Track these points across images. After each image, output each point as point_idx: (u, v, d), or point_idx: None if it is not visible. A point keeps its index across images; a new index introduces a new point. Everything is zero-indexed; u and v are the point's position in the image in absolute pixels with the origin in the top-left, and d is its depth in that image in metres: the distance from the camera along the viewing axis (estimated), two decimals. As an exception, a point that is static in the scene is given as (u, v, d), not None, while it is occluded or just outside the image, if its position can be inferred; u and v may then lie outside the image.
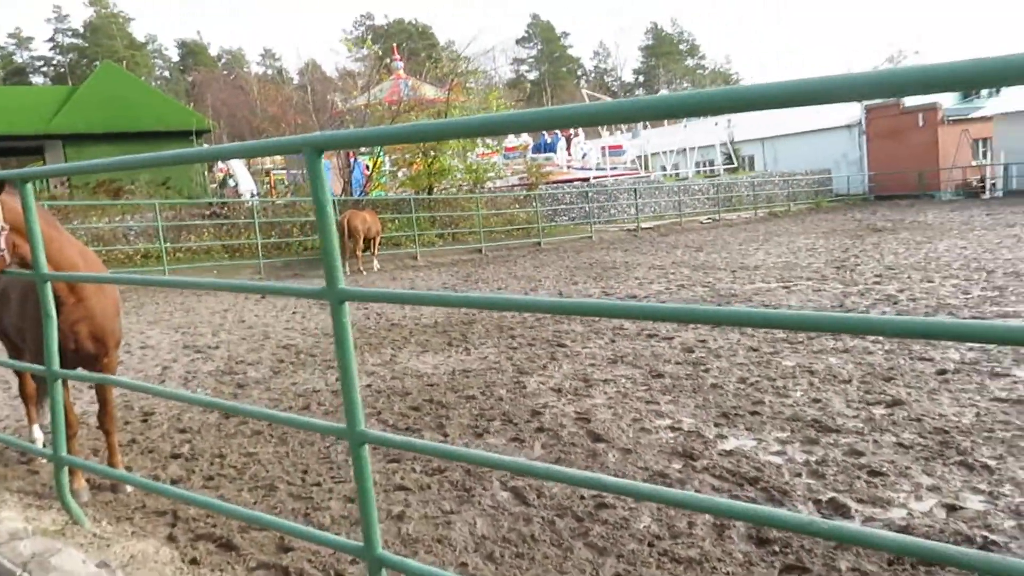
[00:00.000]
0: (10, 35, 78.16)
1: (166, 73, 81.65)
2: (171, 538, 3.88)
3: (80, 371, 4.16)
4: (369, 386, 6.84)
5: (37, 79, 71.14)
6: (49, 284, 3.63)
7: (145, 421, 6.08)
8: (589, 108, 1.87)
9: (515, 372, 7.05)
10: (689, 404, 5.62)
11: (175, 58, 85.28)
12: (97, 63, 54.81)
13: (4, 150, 22.69)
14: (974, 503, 3.62)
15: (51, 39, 77.56)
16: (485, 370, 7.22)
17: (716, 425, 5.10)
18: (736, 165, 34.57)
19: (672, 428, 5.10)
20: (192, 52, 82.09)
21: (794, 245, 18.46)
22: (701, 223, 26.76)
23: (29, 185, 3.55)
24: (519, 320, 9.99)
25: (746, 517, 2.10)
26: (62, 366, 3.87)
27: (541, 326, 9.48)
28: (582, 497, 4.06)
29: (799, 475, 4.14)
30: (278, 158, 34.78)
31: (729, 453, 4.55)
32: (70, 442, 4.44)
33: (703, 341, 7.94)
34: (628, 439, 4.92)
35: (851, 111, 36.17)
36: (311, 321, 11.00)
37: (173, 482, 4.72)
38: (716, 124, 34.34)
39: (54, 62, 77.89)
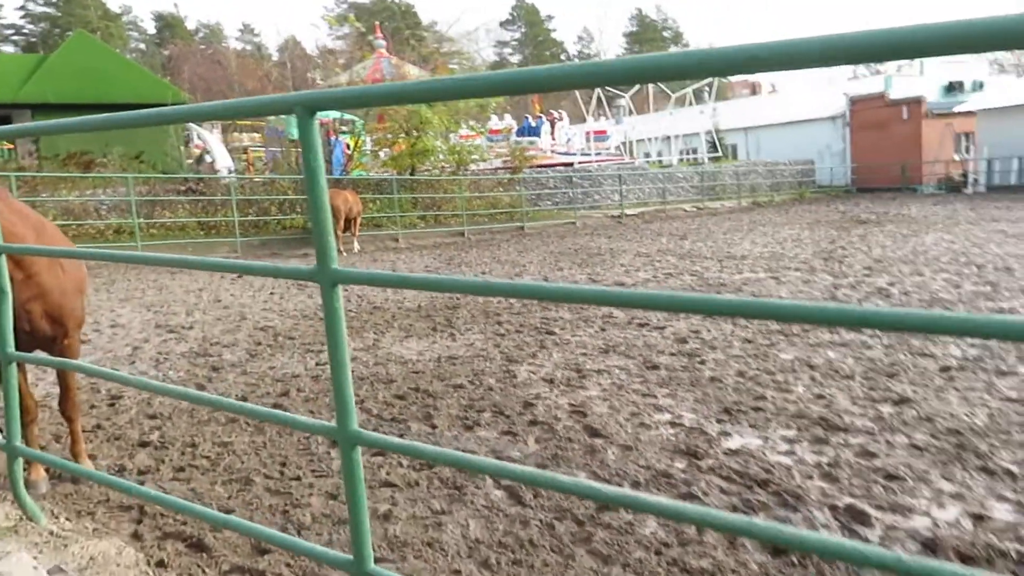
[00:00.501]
0: (-20, 1, 75.97)
1: (141, 46, 79.86)
2: (136, 536, 3.57)
3: (38, 354, 3.82)
4: (352, 372, 6.52)
5: (7, 48, 69.22)
6: (3, 257, 3.28)
7: (112, 405, 5.74)
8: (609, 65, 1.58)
9: (504, 360, 6.77)
10: (688, 398, 5.38)
11: (151, 31, 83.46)
12: (70, 33, 53.34)
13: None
14: (1002, 513, 3.41)
15: (22, 7, 75.41)
16: (472, 357, 6.93)
17: (718, 421, 4.86)
18: (720, 154, 34.42)
19: (672, 424, 4.86)
20: (169, 25, 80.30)
21: (779, 235, 18.32)
22: (685, 211, 26.59)
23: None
24: (505, 306, 9.70)
25: (771, 539, 1.84)
26: (17, 348, 3.53)
27: (528, 312, 9.20)
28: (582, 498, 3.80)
29: (811, 477, 3.91)
30: (256, 135, 34.11)
31: (735, 452, 4.31)
32: (28, 428, 4.10)
33: (696, 332, 7.70)
34: (627, 435, 4.67)
35: (836, 102, 36.15)
36: (289, 302, 10.64)
37: (140, 472, 4.40)
38: (701, 112, 34.15)
39: (24, 31, 75.80)
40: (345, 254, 17.09)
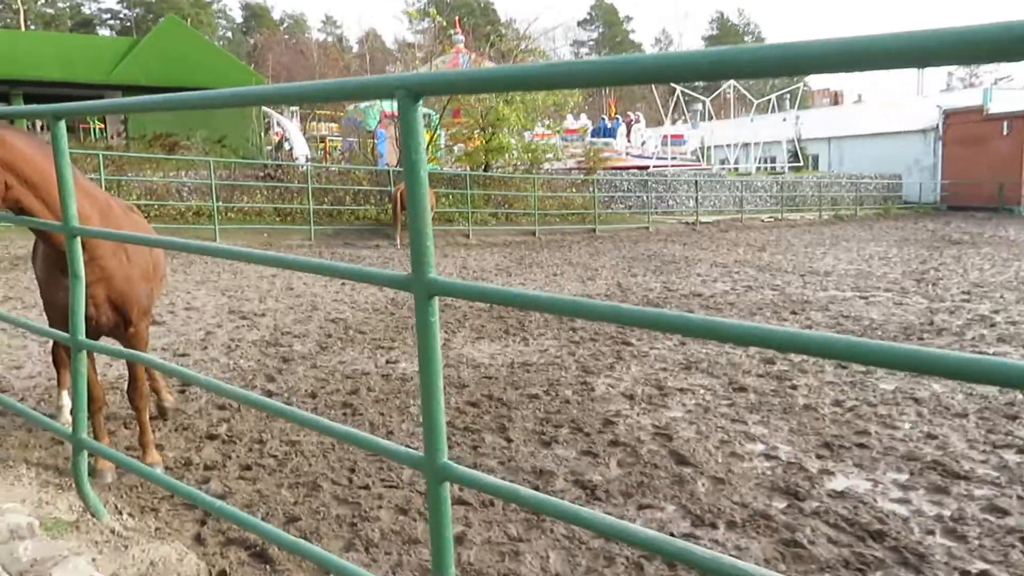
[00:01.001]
0: (81, -14, 79.27)
1: (228, 34, 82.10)
2: (199, 540, 3.39)
3: (104, 343, 3.69)
4: (421, 373, 6.30)
5: (104, 31, 72.06)
6: (78, 240, 3.13)
7: (183, 391, 5.64)
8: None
9: (579, 371, 6.46)
10: (782, 428, 4.97)
11: (239, 19, 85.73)
12: (163, 18, 55.13)
13: (63, 98, 22.70)
14: None
15: (120, -8, 78.45)
16: (546, 365, 6.64)
17: (818, 457, 4.45)
18: (802, 164, 33.26)
19: (767, 456, 4.47)
20: (255, 14, 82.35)
21: (864, 252, 17.50)
22: (763, 221, 25.74)
23: (62, 124, 3.04)
24: (579, 311, 9.37)
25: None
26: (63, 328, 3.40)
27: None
28: (672, 534, 3.47)
29: (932, 533, 3.48)
30: (334, 125, 34.54)
31: (841, 495, 3.90)
32: (95, 417, 3.99)
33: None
34: (718, 465, 4.30)
35: (928, 114, 34.53)
36: (360, 295, 10.53)
37: (207, 467, 4.25)
38: (784, 120, 33.06)
39: (121, 15, 78.78)
40: (416, 248, 16.99)
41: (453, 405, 5.39)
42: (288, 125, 27.51)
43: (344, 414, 5.21)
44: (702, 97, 33.76)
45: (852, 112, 42.58)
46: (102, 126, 28.71)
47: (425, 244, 1.84)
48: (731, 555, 3.29)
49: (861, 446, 4.61)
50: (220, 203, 16.77)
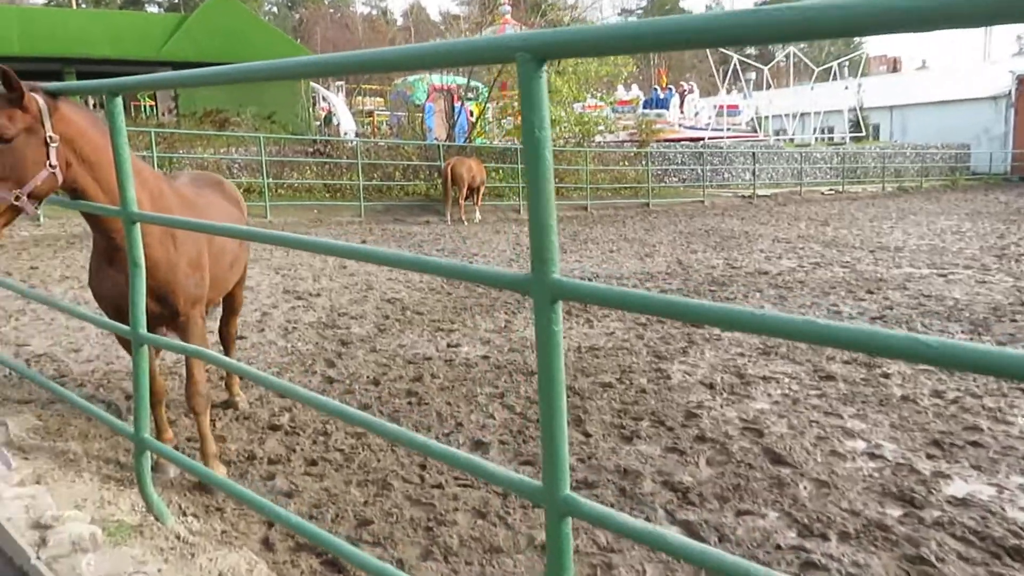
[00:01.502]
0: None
1: (274, 9, 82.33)
2: (267, 545, 3.18)
3: (165, 337, 3.47)
4: (486, 358, 6.04)
5: (152, 9, 72.79)
6: (138, 227, 2.89)
7: (243, 378, 5.45)
8: None
9: (651, 356, 6.12)
10: (882, 422, 4.58)
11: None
12: (210, -5, 55.32)
13: (114, 75, 22.86)
14: None
15: (168, -30, 79.09)
16: (615, 349, 6.31)
17: (929, 457, 4.06)
18: (864, 134, 32.01)
19: (871, 455, 4.09)
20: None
21: (935, 226, 16.72)
22: (823, 194, 24.86)
23: (118, 100, 2.79)
24: (643, 290, 9.00)
25: None
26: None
27: (668, 300, 8.46)
28: (779, 546, 3.14)
29: (1079, 550, 3.09)
30: (379, 99, 34.32)
31: (963, 502, 3.52)
32: (157, 409, 3.80)
33: (866, 335, 6.78)
34: (819, 465, 3.95)
35: (1000, 81, 32.88)
36: (416, 274, 10.29)
37: (271, 462, 4.05)
38: (847, 88, 31.79)
39: (170, -7, 79.50)
40: (467, 223, 16.75)
41: (523, 395, 5.11)
42: (334, 99, 27.40)
43: (409, 403, 4.96)
44: (760, 65, 32.64)
45: (916, 79, 40.83)
46: (153, 103, 28.94)
47: (549, 239, 1.53)
48: (849, 573, 2.96)
49: (975, 444, 4.20)
50: (270, 180, 16.69)
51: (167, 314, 3.39)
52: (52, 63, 20.07)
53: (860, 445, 4.23)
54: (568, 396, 5.00)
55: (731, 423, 4.56)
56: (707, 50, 35.89)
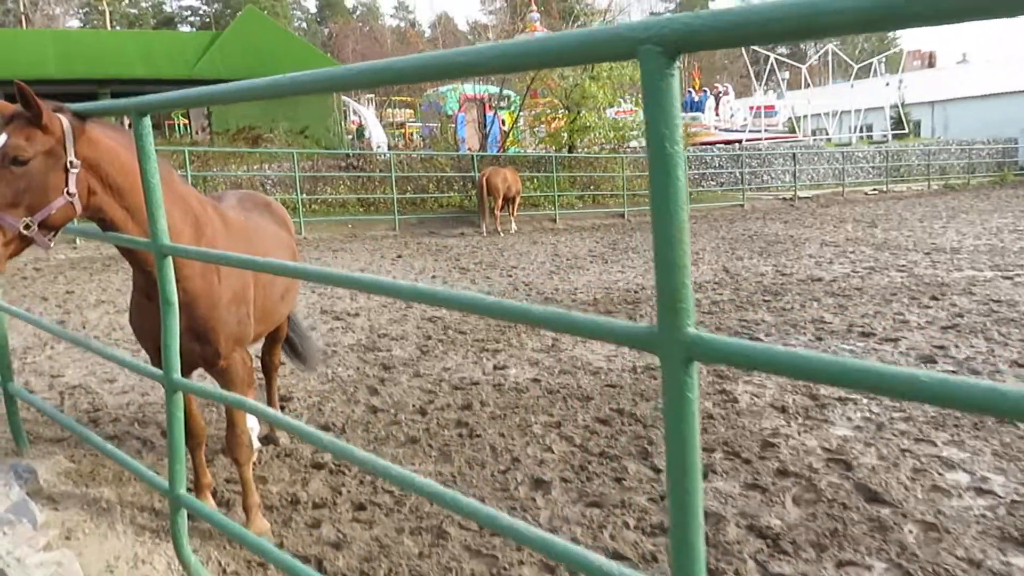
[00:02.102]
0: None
1: (303, 24, 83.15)
2: (316, 608, 2.85)
3: (203, 383, 3.18)
4: (537, 382, 5.70)
5: (184, 28, 73.91)
6: (170, 261, 2.61)
7: (282, 408, 5.18)
8: None
9: (712, 375, 5.72)
10: (983, 450, 4.14)
11: (313, 9, 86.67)
12: (240, 13, 55.92)
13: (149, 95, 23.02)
14: None
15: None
16: (673, 369, 5.92)
17: (1046, 492, 3.63)
18: (908, 131, 31.12)
19: (979, 490, 3.67)
20: (329, 3, 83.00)
21: (990, 224, 16.03)
22: (866, 194, 24.14)
23: (146, 120, 2.51)
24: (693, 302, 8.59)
25: None
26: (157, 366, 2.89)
27: (722, 312, 8.07)
28: (895, 608, 2.75)
29: None
30: (409, 111, 34.25)
31: (1098, 548, 3.09)
32: (195, 453, 3.52)
33: (941, 348, 6.34)
34: (921, 504, 3.53)
35: (1047, 72, 31.80)
36: (454, 287, 10.00)
37: (315, 506, 3.74)
38: (887, 84, 30.96)
39: (200, 11, 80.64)
40: (503, 234, 16.45)
41: (582, 424, 4.75)
42: (364, 112, 27.31)
43: (459, 435, 4.63)
44: (797, 64, 31.95)
45: (956, 73, 39.72)
46: (186, 122, 29.16)
47: (681, 282, 1.19)
48: (983, 641, 2.55)
49: (1094, 476, 3.76)
50: (304, 195, 16.55)
51: (207, 355, 3.09)
52: (87, 84, 20.21)
53: (963, 478, 3.81)
54: (629, 424, 4.65)
55: (813, 453, 4.16)
56: (742, 49, 35.30)
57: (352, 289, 2.09)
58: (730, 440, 4.37)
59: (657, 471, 3.99)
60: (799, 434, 4.45)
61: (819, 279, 10.09)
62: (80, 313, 8.41)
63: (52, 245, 2.69)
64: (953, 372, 5.65)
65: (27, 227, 2.51)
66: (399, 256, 13.44)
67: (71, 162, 2.57)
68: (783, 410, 4.89)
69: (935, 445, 4.23)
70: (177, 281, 2.75)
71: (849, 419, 4.71)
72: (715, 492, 3.72)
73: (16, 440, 4.14)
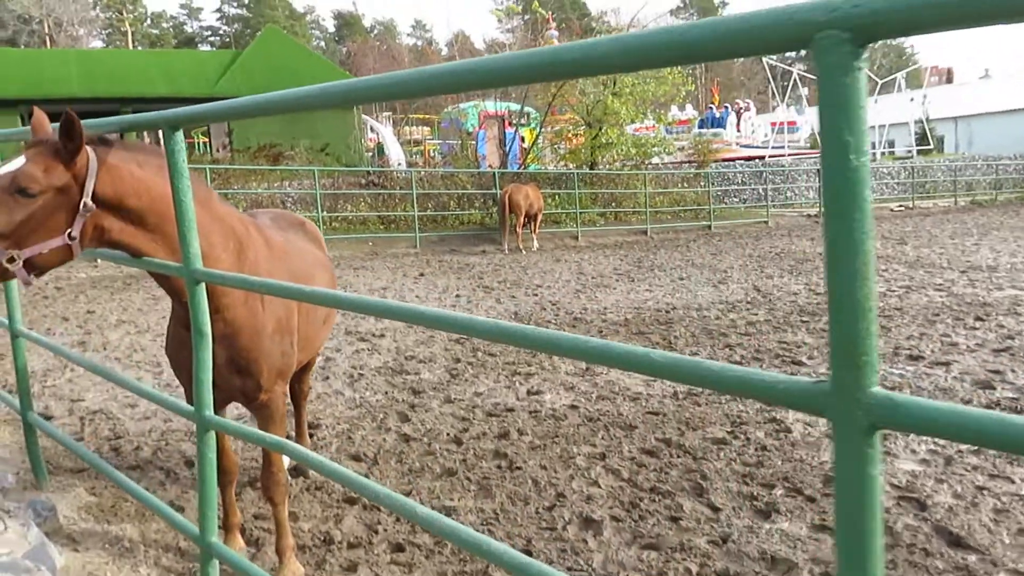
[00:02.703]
0: (181, 5, 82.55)
1: (322, 43, 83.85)
2: (357, 666, 2.61)
3: (235, 422, 2.95)
4: (575, 408, 5.44)
5: (204, 48, 74.71)
6: (203, 287, 2.39)
7: (311, 436, 4.95)
8: None
9: (761, 403, 5.44)
10: (1066, 487, 3.84)
11: (331, 29, 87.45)
12: (260, 32, 56.45)
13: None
14: None
15: (218, 9, 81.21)
16: (718, 395, 5.65)
17: None
18: (932, 146, 30.69)
19: (1071, 534, 3.37)
20: (347, 23, 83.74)
21: (1023, 242, 15.64)
22: (892, 210, 23.74)
23: (179, 135, 2.30)
24: (728, 323, 8.33)
25: None
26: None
27: (759, 332, 7.79)
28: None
29: None
30: (426, 128, 34.19)
31: None
32: (226, 491, 3.29)
33: (997, 372, 6.02)
34: (1011, 550, 3.24)
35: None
36: (479, 307, 9.78)
37: (350, 546, 3.50)
38: (912, 100, 30.60)
39: (220, 32, 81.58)
40: (525, 252, 16.23)
41: (627, 454, 4.48)
42: (382, 130, 27.27)
43: (499, 467, 4.38)
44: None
45: (979, 88, 39.29)
46: (206, 139, 29.24)
47: (865, 329, 0.94)
48: None
49: None
50: (325, 213, 16.43)
51: (248, 389, 2.86)
52: (110, 103, 20.28)
53: (1051, 520, 3.51)
54: (678, 455, 4.39)
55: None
56: (764, 65, 35.09)
57: (421, 325, 1.86)
58: (790, 475, 4.08)
59: (715, 509, 3.71)
60: (863, 468, 4.15)
61: (855, 298, 9.76)
62: (101, 333, 8.24)
63: (32, 283, 2.40)
64: (1014, 399, 5.35)
65: (11, 260, 2.24)
66: (421, 274, 13.24)
67: (84, 204, 2.31)
68: (841, 441, 4.59)
69: (1013, 482, 3.93)
70: (217, 310, 2.54)
71: (913, 451, 4.41)
72: (782, 535, 3.44)
73: (35, 472, 3.94)
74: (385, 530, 3.64)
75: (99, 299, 10.52)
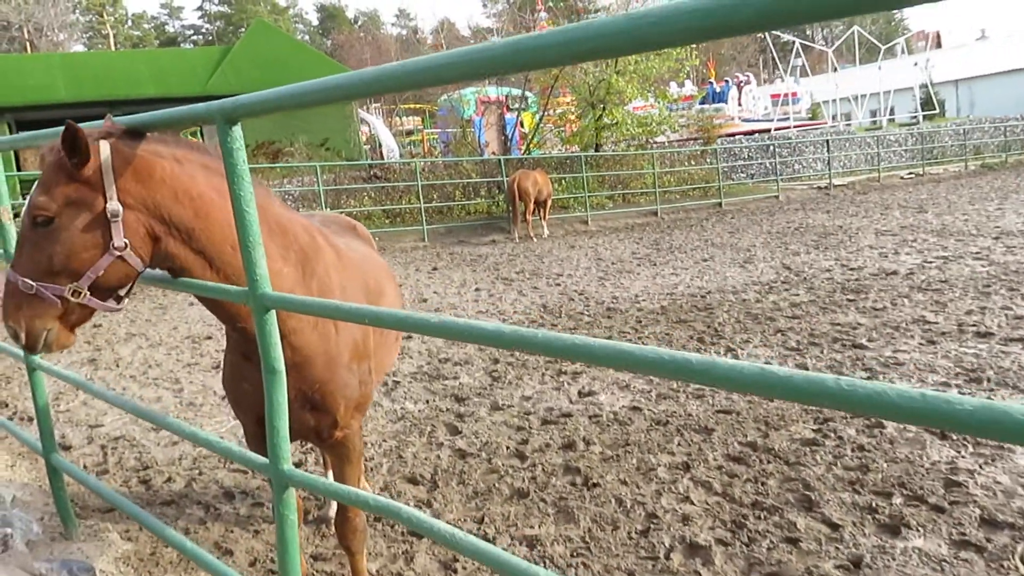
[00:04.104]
0: (162, 5, 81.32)
1: (307, 37, 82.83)
2: None
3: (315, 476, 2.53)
4: (638, 410, 5.01)
5: (187, 47, 73.67)
6: (273, 316, 1.95)
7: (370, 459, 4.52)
8: None
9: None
10: None
11: (315, 22, 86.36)
12: (243, 29, 55.57)
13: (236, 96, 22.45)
14: None
15: (199, 7, 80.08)
16: (787, 388, 5.23)
17: None
18: (937, 111, 30.20)
19: None
20: (331, 15, 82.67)
21: (1047, 203, 15.26)
22: (902, 178, 23.33)
23: (237, 130, 1.86)
24: (771, 306, 7.91)
25: None
26: (262, 444, 2.25)
27: (808, 316, 7.38)
28: None
29: None
30: (417, 118, 33.60)
31: None
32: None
33: (1079, 348, 5.62)
34: None
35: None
36: (504, 301, 9.35)
37: (427, 589, 3.08)
38: (916, 64, 30.07)
39: (203, 30, 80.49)
40: (536, 239, 15.79)
41: (713, 463, 4.07)
42: (374, 121, 26.70)
43: (574, 484, 3.96)
44: (825, 48, 31.11)
45: (978, 50, 38.72)
46: (198, 140, 28.57)
47: None
48: None
49: None
50: (328, 209, 15.93)
51: (323, 426, 2.43)
52: (98, 107, 19.67)
53: None
54: (769, 461, 3.97)
55: (1015, 495, 3.45)
56: (766, 36, 34.53)
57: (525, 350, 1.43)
58: (905, 480, 3.67)
59: (834, 526, 3.30)
60: (982, 467, 3.75)
61: (893, 272, 9.38)
62: (111, 349, 7.79)
63: (121, 306, 2.07)
64: (1110, 376, 4.94)
65: (75, 293, 1.97)
66: (435, 268, 12.80)
67: (111, 212, 1.95)
68: (943, 435, 4.19)
69: None
70: (283, 335, 2.09)
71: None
72: (921, 555, 3.02)
73: (64, 522, 3.50)
74: (464, 567, 3.22)
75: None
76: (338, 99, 1.63)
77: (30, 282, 1.95)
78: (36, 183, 2.02)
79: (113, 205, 1.95)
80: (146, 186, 2.01)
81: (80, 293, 1.96)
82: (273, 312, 1.94)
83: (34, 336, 1.99)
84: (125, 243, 1.97)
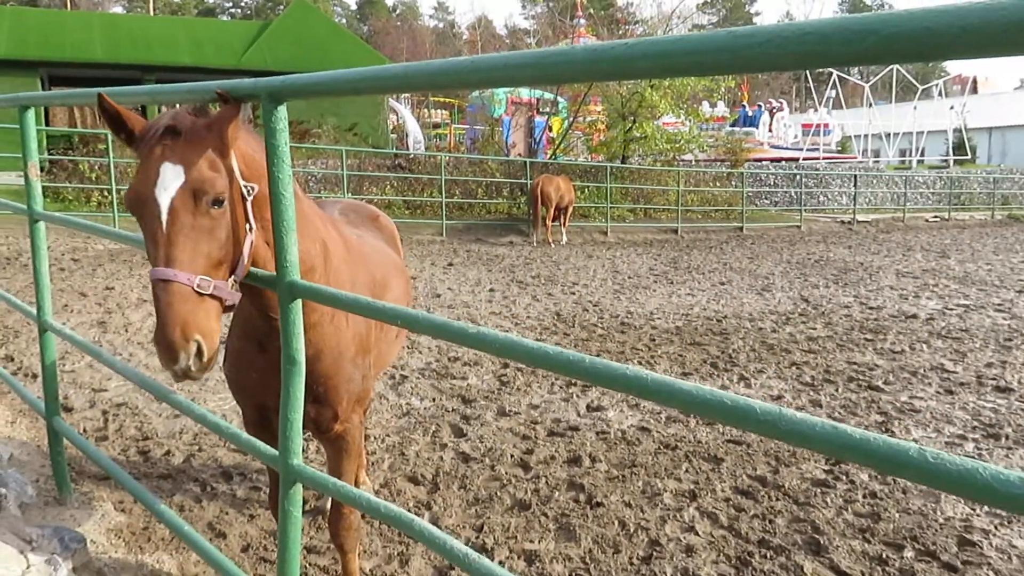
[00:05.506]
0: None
1: (343, 21, 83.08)
2: None
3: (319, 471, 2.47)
4: (646, 431, 4.93)
5: (224, 18, 73.99)
6: (299, 304, 1.89)
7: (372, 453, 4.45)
8: None
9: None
10: None
11: (353, 5, 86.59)
12: (281, 7, 55.68)
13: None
14: None
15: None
16: (800, 424, 5.13)
17: None
18: (969, 156, 29.92)
19: None
20: (370, 1, 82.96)
21: (1074, 261, 15.04)
22: (927, 220, 23.12)
23: (282, 110, 1.79)
24: (787, 337, 7.80)
25: None
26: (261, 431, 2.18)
27: (825, 351, 7.27)
28: None
29: None
30: (445, 112, 33.55)
31: None
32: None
33: (1101, 412, 5.49)
34: None
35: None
36: (517, 304, 9.27)
37: (421, 595, 3.01)
38: (952, 108, 29.82)
39: (242, 3, 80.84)
40: (554, 245, 15.71)
41: (720, 494, 3.98)
42: (403, 110, 26.69)
43: (576, 501, 3.88)
44: (861, 83, 30.90)
45: (1015, 99, 38.39)
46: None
47: None
48: None
49: None
50: (350, 195, 15.91)
51: (323, 419, 2.37)
52: (133, 70, 19.73)
53: None
54: (778, 499, 3.87)
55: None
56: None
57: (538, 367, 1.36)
58: (916, 533, 3.57)
59: (842, 574, 3.20)
60: (997, 528, 3.65)
61: (913, 316, 9.23)
62: (122, 313, 7.76)
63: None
64: None
65: (233, 286, 1.83)
66: (450, 264, 12.74)
67: (248, 187, 1.85)
68: (957, 490, 4.07)
69: None
70: (303, 329, 2.02)
71: (1045, 508, 3.89)
72: (931, 614, 2.93)
73: (59, 486, 3.45)
74: (459, 573, 3.15)
75: (118, 274, 10.03)
76: (393, 90, 1.56)
77: (208, 280, 1.68)
78: (181, 156, 1.73)
79: (247, 183, 1.85)
80: (255, 166, 1.93)
81: (234, 285, 1.81)
82: (299, 301, 1.87)
83: (214, 352, 1.69)
84: (254, 223, 1.88)
